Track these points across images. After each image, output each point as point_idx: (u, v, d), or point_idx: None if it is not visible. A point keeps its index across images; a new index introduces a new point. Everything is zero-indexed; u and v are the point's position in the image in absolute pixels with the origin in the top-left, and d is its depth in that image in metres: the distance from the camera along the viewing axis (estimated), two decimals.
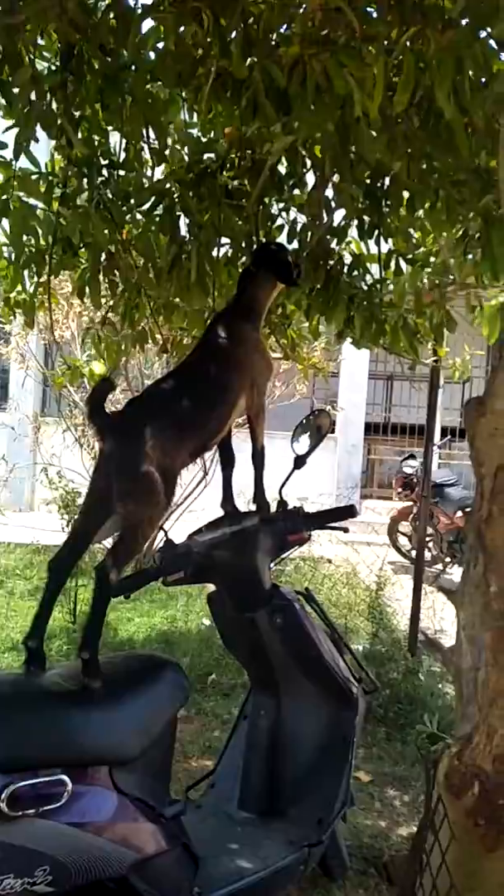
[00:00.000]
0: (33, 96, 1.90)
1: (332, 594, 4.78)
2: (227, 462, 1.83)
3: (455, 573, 6.15)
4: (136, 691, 1.37)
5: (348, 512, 1.80)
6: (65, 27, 1.80)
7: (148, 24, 1.72)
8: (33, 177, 2.50)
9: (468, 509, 5.66)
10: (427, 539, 5.44)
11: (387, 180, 1.90)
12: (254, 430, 1.78)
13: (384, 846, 2.15)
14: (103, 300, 2.80)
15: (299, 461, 1.89)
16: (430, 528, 5.76)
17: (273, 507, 1.86)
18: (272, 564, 1.83)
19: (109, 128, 2.29)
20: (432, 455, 4.30)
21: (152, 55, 2.03)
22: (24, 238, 2.58)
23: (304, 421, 1.95)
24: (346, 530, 1.87)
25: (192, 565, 1.73)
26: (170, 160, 2.35)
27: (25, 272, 2.74)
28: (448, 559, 5.95)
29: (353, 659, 1.94)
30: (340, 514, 1.82)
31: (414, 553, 5.46)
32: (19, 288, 2.82)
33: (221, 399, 1.60)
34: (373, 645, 3.86)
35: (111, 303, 2.68)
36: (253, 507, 1.84)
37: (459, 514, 5.77)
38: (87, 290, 2.58)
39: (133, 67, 2.04)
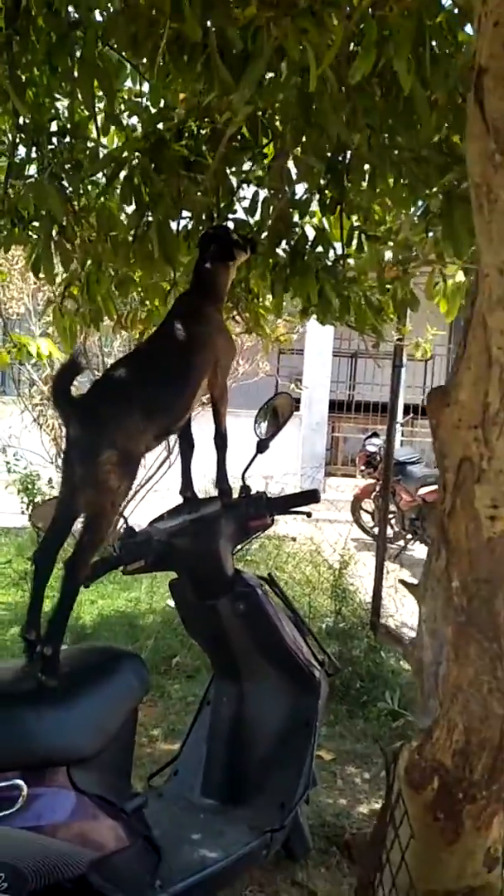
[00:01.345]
0: None
1: (296, 572, 4.78)
2: (187, 447, 1.78)
3: (416, 550, 6.23)
4: (94, 686, 1.33)
5: (311, 497, 1.77)
6: None
7: None
8: None
9: (430, 487, 5.72)
10: (389, 516, 5.49)
11: (349, 154, 1.84)
12: (217, 412, 1.74)
13: (346, 824, 2.17)
14: (61, 274, 2.69)
15: (262, 445, 1.85)
16: (392, 505, 5.80)
17: (236, 492, 1.82)
18: (235, 550, 1.79)
19: (58, 95, 2.18)
20: (395, 433, 4.31)
21: (103, 16, 1.93)
22: None
23: (267, 404, 1.90)
24: (309, 514, 1.84)
25: (152, 553, 1.69)
26: (125, 129, 2.25)
27: None
28: (409, 536, 6.02)
29: (316, 642, 1.93)
30: (303, 499, 1.79)
31: (377, 530, 5.52)
32: None
33: (185, 381, 1.55)
34: (336, 623, 3.88)
35: (69, 276, 2.57)
36: (214, 492, 1.79)
37: (421, 491, 5.82)
38: (41, 265, 2.47)
39: (83, 28, 1.94)
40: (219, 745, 1.80)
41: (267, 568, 4.74)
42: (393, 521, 6.09)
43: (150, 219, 2.15)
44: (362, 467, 6.64)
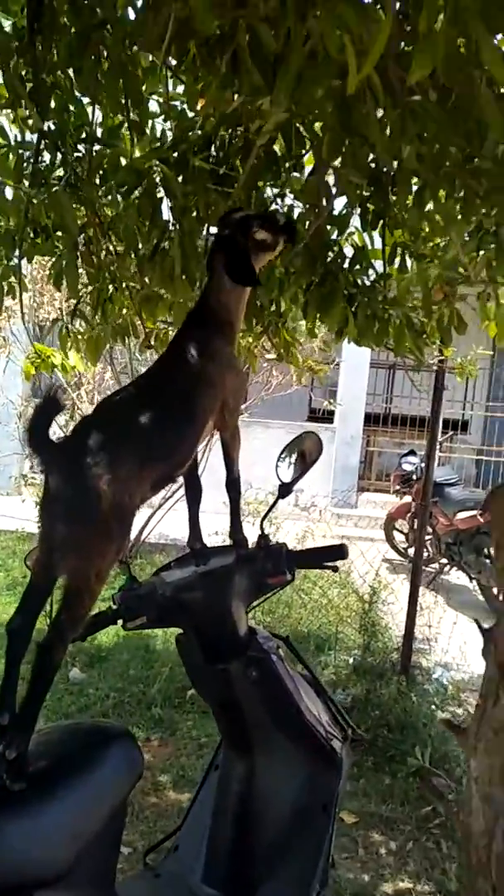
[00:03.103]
0: None
1: (324, 599, 4.57)
2: (194, 493, 1.59)
3: (452, 576, 5.95)
4: (73, 782, 1.14)
5: (338, 553, 1.57)
6: None
7: None
8: (2, 150, 2.24)
9: (468, 513, 5.45)
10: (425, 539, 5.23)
11: (395, 164, 1.64)
12: (228, 456, 1.54)
13: None
14: (85, 287, 2.55)
15: (285, 489, 1.65)
16: (427, 527, 5.54)
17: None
18: (249, 608, 1.60)
19: (86, 100, 2.03)
20: (435, 457, 4.07)
21: (132, 14, 1.77)
22: None
23: (292, 444, 1.71)
24: (335, 570, 1.64)
25: (155, 609, 1.51)
26: (151, 136, 2.08)
27: None
28: (444, 561, 5.74)
29: (338, 711, 1.72)
30: (329, 555, 1.59)
31: (411, 552, 5.27)
32: None
33: (188, 424, 1.36)
34: (363, 658, 3.66)
35: (76, 293, 2.42)
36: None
37: (460, 515, 5.54)
38: (64, 278, 2.33)
39: (108, 26, 1.78)
40: (224, 826, 1.60)
41: (287, 595, 4.54)
42: (428, 545, 5.83)
43: (172, 234, 1.99)
44: (397, 486, 6.38)
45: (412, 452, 6.44)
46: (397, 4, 0.98)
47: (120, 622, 1.53)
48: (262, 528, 1.62)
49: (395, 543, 6.44)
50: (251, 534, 1.67)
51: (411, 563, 3.98)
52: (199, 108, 1.75)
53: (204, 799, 1.71)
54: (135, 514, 1.26)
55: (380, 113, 1.28)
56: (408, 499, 6.28)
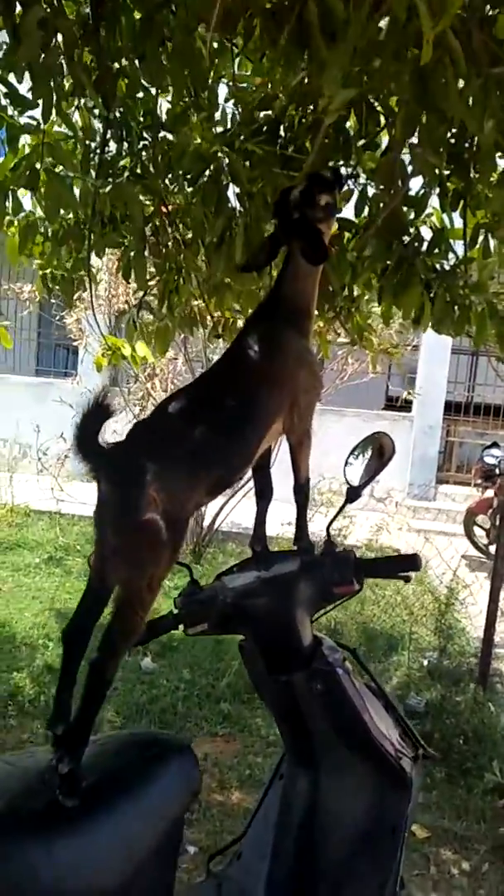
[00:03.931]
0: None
1: (398, 596, 4.42)
2: (264, 493, 1.52)
3: None
4: (126, 798, 1.10)
5: (411, 563, 1.46)
6: None
7: None
8: (70, 141, 2.23)
9: None
10: None
11: (476, 140, 1.49)
12: (295, 461, 1.45)
13: None
14: (155, 278, 2.52)
15: (353, 493, 1.55)
16: None
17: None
18: (314, 618, 1.52)
19: (147, 85, 1.97)
20: None
21: None
22: (62, 211, 2.32)
23: (361, 444, 1.60)
24: (407, 580, 1.53)
25: (216, 615, 1.46)
26: (220, 121, 2.01)
27: (63, 248, 2.49)
28: None
29: (408, 728, 1.62)
30: (401, 565, 1.48)
31: (493, 549, 5.02)
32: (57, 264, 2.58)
33: (250, 425, 1.27)
34: (440, 661, 3.51)
35: (151, 284, 2.39)
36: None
37: None
38: (132, 270, 2.30)
39: (173, 7, 1.71)
40: (288, 841, 1.54)
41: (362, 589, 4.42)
42: None
43: (238, 221, 1.91)
44: (479, 480, 6.11)
45: (495, 444, 6.14)
46: None
47: (181, 627, 1.49)
48: (328, 534, 1.52)
49: (475, 539, 6.18)
50: (323, 527, 1.59)
51: (492, 562, 3.78)
52: (258, 85, 1.65)
53: (269, 808, 1.65)
54: (188, 521, 1.20)
55: (460, 84, 1.16)
56: (490, 493, 6.01)
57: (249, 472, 1.48)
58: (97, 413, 1.11)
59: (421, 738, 1.65)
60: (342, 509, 1.57)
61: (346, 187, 1.67)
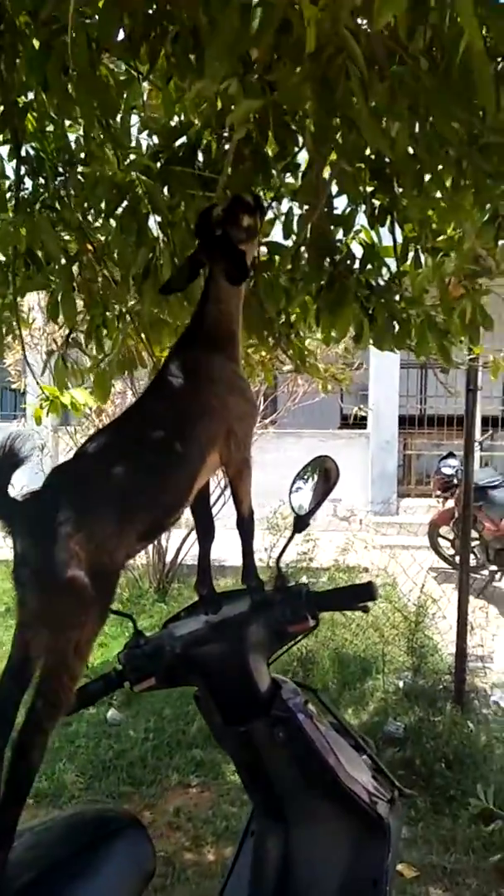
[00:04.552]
0: None
1: (369, 617, 4.34)
2: (205, 531, 1.42)
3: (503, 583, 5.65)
4: (71, 892, 0.98)
5: (366, 593, 1.38)
6: None
7: None
8: None
9: None
10: (472, 544, 4.96)
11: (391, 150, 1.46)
12: (236, 494, 1.36)
13: None
14: (84, 314, 2.43)
15: (301, 522, 1.47)
16: (474, 532, 5.26)
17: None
18: (270, 660, 1.43)
19: (56, 117, 1.91)
20: (473, 461, 3.83)
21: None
22: None
23: (305, 470, 1.53)
24: (365, 610, 1.45)
25: (163, 668, 1.35)
26: (125, 149, 1.95)
27: None
28: (496, 569, 5.45)
29: (380, 768, 1.53)
30: (357, 596, 1.40)
31: (458, 559, 5.00)
32: None
33: (181, 459, 1.18)
34: (414, 681, 3.43)
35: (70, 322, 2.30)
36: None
37: None
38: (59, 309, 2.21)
39: (73, 35, 1.65)
40: None
41: (330, 613, 4.33)
42: (476, 551, 5.55)
43: (161, 251, 1.84)
44: (438, 492, 6.11)
45: (451, 455, 6.17)
46: None
47: (127, 685, 1.38)
48: (278, 569, 1.44)
49: (440, 551, 6.16)
50: (288, 551, 1.50)
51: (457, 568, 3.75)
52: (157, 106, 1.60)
53: (241, 867, 1.53)
54: (118, 574, 1.10)
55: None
56: (451, 504, 6.01)
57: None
58: (5, 462, 1.01)
59: (400, 766, 1.56)
60: (290, 540, 1.49)
61: (266, 214, 1.63)
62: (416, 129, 1.09)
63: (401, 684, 3.47)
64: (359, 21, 0.96)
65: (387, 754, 2.74)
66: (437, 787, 2.56)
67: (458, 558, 5.56)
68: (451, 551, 6.11)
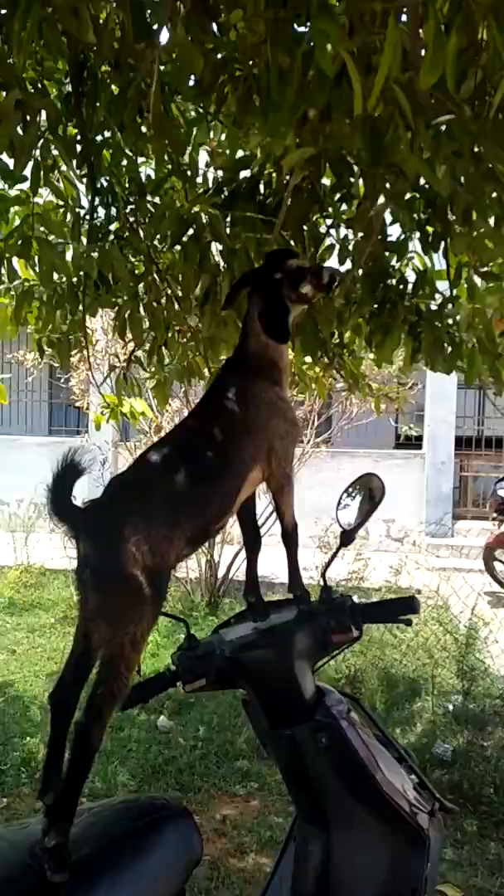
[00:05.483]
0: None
1: (420, 638, 4.31)
2: (252, 541, 1.50)
3: None
4: (122, 871, 1.05)
5: (409, 606, 1.43)
6: (58, 39, 1.56)
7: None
8: (58, 210, 2.31)
9: None
10: None
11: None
12: (279, 508, 1.44)
13: None
14: (148, 333, 2.58)
15: (347, 536, 1.53)
16: None
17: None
18: (315, 668, 1.49)
19: (130, 153, 2.06)
20: None
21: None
22: (56, 276, 2.39)
23: (351, 487, 1.59)
24: (408, 623, 1.50)
25: (214, 670, 1.43)
26: (194, 184, 2.08)
27: (58, 312, 2.56)
28: None
29: (423, 781, 1.56)
30: (399, 609, 1.45)
31: None
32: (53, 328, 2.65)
33: (226, 473, 1.27)
34: (465, 704, 3.40)
35: (135, 341, 2.44)
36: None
37: None
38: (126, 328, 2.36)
39: (148, 81, 1.80)
40: None
41: (380, 632, 4.32)
42: None
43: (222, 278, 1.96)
44: (494, 514, 6.02)
45: None
46: (403, 17, 0.89)
47: (179, 684, 1.46)
48: (324, 580, 1.50)
49: (496, 574, 6.05)
50: (340, 570, 1.57)
51: None
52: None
53: (283, 872, 1.58)
54: (170, 575, 1.19)
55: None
56: None
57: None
58: (69, 472, 1.12)
59: (447, 789, 1.58)
60: (336, 553, 1.55)
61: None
62: (461, 171, 1.15)
63: (450, 707, 3.44)
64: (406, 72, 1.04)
65: (434, 776, 2.73)
66: (485, 812, 2.54)
67: None
68: None
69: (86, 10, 1.33)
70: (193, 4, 1.40)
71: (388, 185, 1.25)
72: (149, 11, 1.29)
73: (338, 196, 2.00)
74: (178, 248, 2.21)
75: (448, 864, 2.29)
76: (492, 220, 1.45)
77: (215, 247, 2.08)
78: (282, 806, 2.70)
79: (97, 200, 2.21)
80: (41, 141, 1.83)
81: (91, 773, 1.11)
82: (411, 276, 2.22)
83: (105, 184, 2.21)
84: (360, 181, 1.99)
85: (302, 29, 1.01)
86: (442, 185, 1.15)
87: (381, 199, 1.82)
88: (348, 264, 2.09)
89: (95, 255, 2.18)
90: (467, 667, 3.50)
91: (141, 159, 2.10)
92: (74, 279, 2.39)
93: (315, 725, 1.41)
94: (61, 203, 2.27)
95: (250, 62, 1.48)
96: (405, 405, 4.56)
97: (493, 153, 1.07)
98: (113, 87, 1.83)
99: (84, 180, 2.22)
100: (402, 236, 2.07)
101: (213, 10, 1.49)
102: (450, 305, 2.22)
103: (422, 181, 1.70)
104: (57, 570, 6.42)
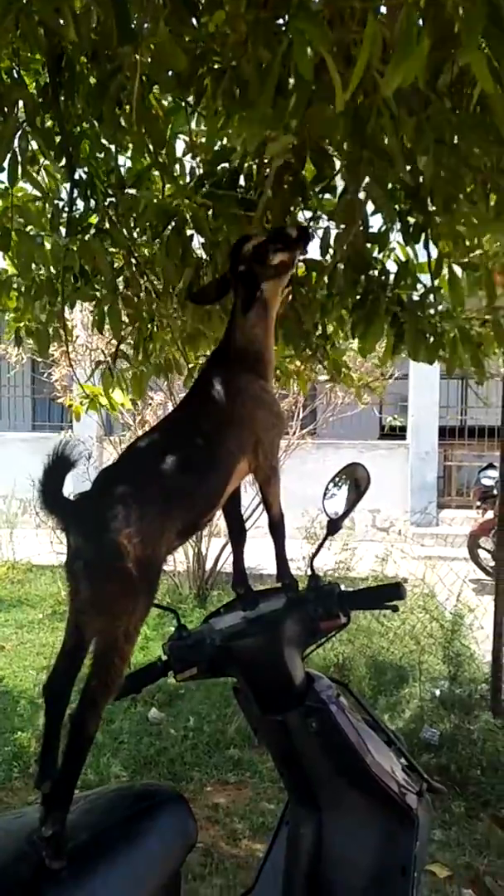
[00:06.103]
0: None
1: (407, 625, 4.37)
2: (237, 533, 1.52)
3: None
4: (118, 856, 1.08)
5: (395, 593, 1.46)
6: (35, 30, 1.55)
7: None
8: (37, 202, 2.30)
9: None
10: None
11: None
12: (266, 499, 1.46)
13: None
14: (127, 328, 2.57)
15: (334, 525, 1.56)
16: None
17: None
18: (304, 654, 1.51)
19: (108, 144, 2.05)
20: None
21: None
22: (34, 267, 2.38)
23: (336, 477, 1.62)
24: (395, 609, 1.53)
25: (206, 659, 1.45)
26: (179, 175, 2.08)
27: (37, 302, 2.55)
28: None
29: (411, 762, 1.59)
30: (386, 595, 1.47)
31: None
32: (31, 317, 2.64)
33: (213, 468, 1.29)
34: (451, 689, 3.45)
35: (123, 334, 2.44)
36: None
37: None
38: (107, 321, 2.36)
39: (127, 74, 1.79)
40: (297, 889, 1.50)
41: (367, 621, 4.37)
42: None
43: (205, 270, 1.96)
44: (478, 503, 6.09)
45: (491, 466, 6.15)
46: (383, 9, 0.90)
47: (171, 674, 1.48)
48: (311, 569, 1.52)
49: (480, 562, 6.13)
50: (329, 559, 1.59)
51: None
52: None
53: (276, 856, 1.61)
54: (161, 566, 1.20)
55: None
56: (490, 514, 5.98)
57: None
58: (59, 465, 1.12)
59: (435, 772, 1.61)
60: (323, 543, 1.58)
61: (311, 239, 1.70)
62: (443, 158, 1.17)
63: (437, 692, 3.49)
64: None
65: (422, 760, 2.77)
66: (472, 793, 2.59)
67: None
68: (492, 563, 6.07)
69: (66, 8, 1.33)
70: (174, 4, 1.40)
71: (371, 169, 1.26)
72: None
73: (319, 187, 2.01)
74: (158, 241, 2.21)
75: (437, 844, 2.34)
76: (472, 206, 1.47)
77: (197, 240, 2.08)
78: (273, 793, 2.73)
79: (76, 192, 2.21)
80: (19, 132, 1.82)
81: (83, 765, 1.12)
82: (392, 267, 2.24)
83: (84, 176, 2.20)
84: (340, 174, 2.01)
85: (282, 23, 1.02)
86: (426, 171, 1.17)
87: (362, 195, 1.84)
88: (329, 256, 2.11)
89: (75, 247, 2.17)
90: (453, 653, 3.55)
91: (120, 151, 2.09)
92: (53, 270, 2.39)
93: (305, 711, 1.44)
94: (40, 195, 2.26)
95: (230, 55, 1.49)
96: (384, 395, 4.59)
97: (473, 142, 1.08)
98: (91, 78, 1.83)
99: (63, 172, 2.22)
100: (384, 227, 2.08)
101: (193, 6, 1.49)
102: (431, 296, 2.24)
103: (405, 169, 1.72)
104: (44, 566, 6.41)
